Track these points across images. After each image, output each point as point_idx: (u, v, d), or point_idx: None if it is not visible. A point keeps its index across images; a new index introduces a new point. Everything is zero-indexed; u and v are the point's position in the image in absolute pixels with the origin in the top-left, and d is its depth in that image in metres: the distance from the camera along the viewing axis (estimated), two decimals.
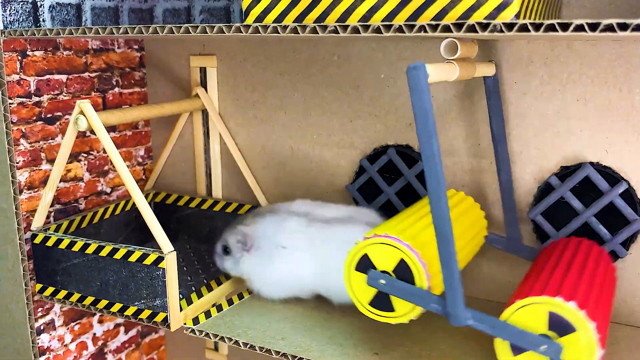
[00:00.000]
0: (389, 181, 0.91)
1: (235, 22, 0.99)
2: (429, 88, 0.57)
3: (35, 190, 0.92)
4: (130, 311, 0.84)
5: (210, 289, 0.90)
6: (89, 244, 0.84)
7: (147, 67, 1.09)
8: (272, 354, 0.76)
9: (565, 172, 0.81)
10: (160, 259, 0.80)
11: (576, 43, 0.78)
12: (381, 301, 0.70)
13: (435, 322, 0.82)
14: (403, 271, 0.67)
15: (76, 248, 0.85)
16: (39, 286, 0.90)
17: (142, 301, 0.83)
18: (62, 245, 0.86)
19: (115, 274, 0.84)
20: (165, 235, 0.80)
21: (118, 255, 0.83)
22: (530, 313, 0.62)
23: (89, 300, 0.87)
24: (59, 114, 0.94)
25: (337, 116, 0.94)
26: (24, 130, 0.89)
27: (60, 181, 0.95)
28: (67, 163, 0.96)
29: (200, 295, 0.88)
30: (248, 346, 0.78)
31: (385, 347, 0.77)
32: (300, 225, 0.85)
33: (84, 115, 0.81)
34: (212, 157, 1.06)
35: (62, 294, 0.89)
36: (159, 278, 0.80)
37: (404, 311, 0.69)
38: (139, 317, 0.83)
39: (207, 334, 0.80)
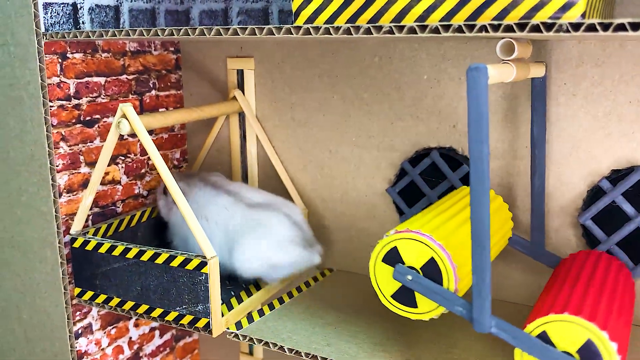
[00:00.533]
0: (431, 184, 0.90)
1: (273, 23, 0.98)
2: (487, 90, 0.56)
3: (74, 193, 0.91)
4: (171, 316, 0.83)
5: (249, 294, 0.89)
6: (130, 248, 0.84)
7: (183, 69, 1.08)
8: None
9: (617, 176, 0.79)
10: (203, 264, 0.79)
11: (629, 43, 0.76)
12: (404, 295, 0.69)
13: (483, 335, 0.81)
14: (431, 270, 0.67)
15: (117, 252, 0.85)
16: (77, 290, 0.90)
17: (184, 306, 0.82)
18: (102, 250, 0.86)
19: (157, 279, 0.83)
20: (207, 239, 0.80)
21: (160, 260, 0.82)
22: (565, 330, 0.61)
23: (129, 305, 0.86)
24: (97, 116, 0.94)
25: (378, 118, 0.93)
26: (63, 133, 0.89)
27: None
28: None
29: (240, 300, 0.87)
30: (294, 352, 0.77)
31: (434, 356, 0.75)
32: (229, 203, 0.90)
33: (127, 119, 0.81)
34: (249, 159, 1.05)
35: (101, 298, 0.88)
36: (201, 283, 0.79)
37: (427, 309, 0.68)
38: (180, 322, 0.82)
39: (251, 339, 0.79)
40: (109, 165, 0.97)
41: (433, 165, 0.89)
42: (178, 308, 0.82)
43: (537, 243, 0.82)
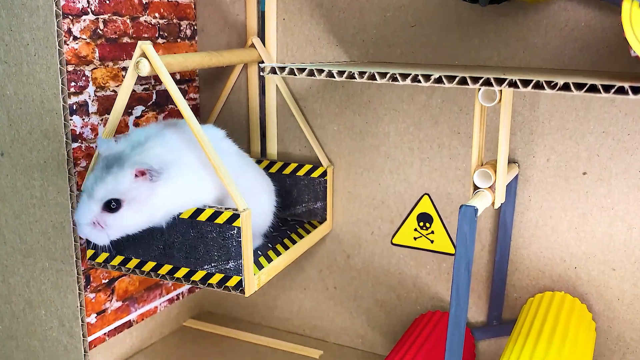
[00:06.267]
0: None
1: None
2: None
3: None
4: (197, 276, 0.74)
5: (278, 253, 0.83)
6: None
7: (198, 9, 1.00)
8: (373, 78, 0.64)
9: None
10: (235, 217, 0.71)
11: None
12: None
13: None
14: None
15: None
16: (90, 252, 0.79)
17: (213, 264, 0.73)
18: None
19: (182, 235, 0.74)
20: (238, 190, 0.72)
21: (185, 215, 0.73)
22: None
23: (150, 265, 0.76)
24: None
25: None
26: None
27: None
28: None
29: (269, 260, 0.81)
30: (345, 75, 0.66)
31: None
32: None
33: (147, 59, 0.72)
34: (267, 113, 0.98)
35: (118, 260, 0.78)
36: (233, 238, 0.71)
37: None
38: (208, 282, 0.74)
39: (292, 71, 0.68)
40: None
41: None
42: (206, 266, 0.74)
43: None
